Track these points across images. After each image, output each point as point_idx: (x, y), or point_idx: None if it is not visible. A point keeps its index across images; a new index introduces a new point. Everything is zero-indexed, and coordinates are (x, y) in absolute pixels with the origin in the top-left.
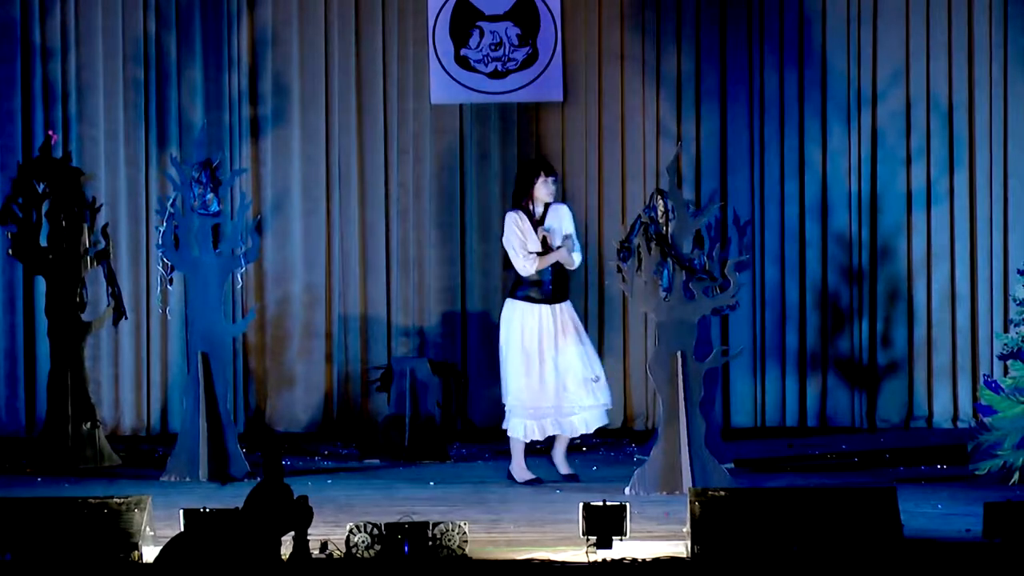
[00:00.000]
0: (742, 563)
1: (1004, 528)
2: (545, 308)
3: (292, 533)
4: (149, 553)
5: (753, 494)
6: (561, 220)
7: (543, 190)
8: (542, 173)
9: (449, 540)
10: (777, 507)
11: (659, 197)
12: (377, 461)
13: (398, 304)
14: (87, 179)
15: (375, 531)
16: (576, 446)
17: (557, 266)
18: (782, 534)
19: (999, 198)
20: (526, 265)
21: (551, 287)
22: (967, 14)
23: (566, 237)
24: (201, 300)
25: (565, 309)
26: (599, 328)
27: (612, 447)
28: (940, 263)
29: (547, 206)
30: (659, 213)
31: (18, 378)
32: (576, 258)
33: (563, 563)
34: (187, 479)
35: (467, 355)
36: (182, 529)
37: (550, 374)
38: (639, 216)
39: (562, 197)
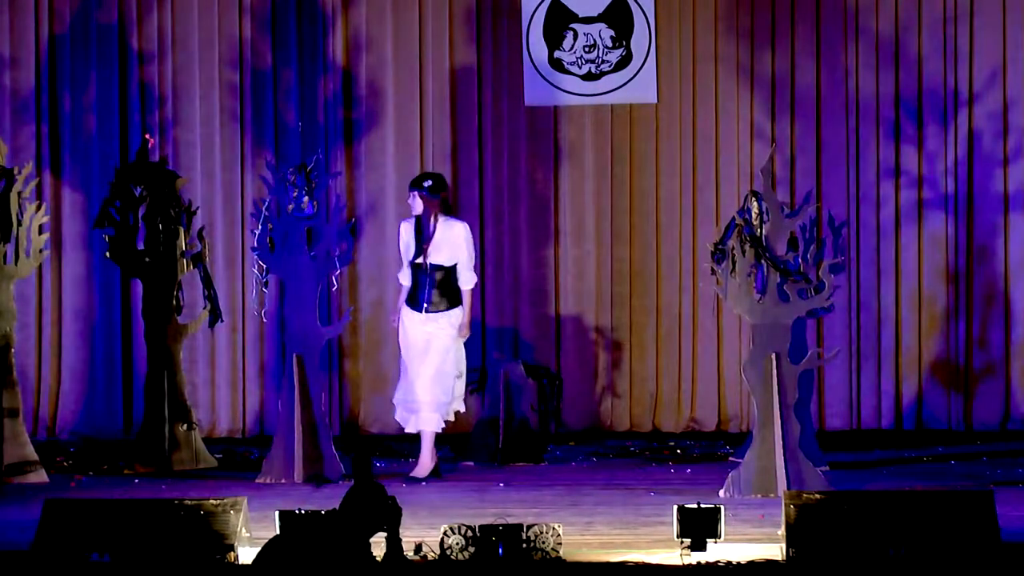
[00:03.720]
0: (838, 566)
1: None
2: (419, 315)
3: (384, 533)
4: (245, 554)
5: (848, 497)
6: (451, 235)
7: (411, 204)
8: (409, 190)
9: (543, 542)
10: (873, 510)
11: (753, 199)
12: (471, 463)
13: (492, 306)
14: (183, 182)
15: (469, 533)
16: (670, 447)
17: (442, 280)
18: (878, 537)
19: None
20: (400, 275)
21: (424, 298)
22: None
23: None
24: (296, 303)
25: (433, 319)
26: (693, 330)
27: (706, 449)
28: None
29: (435, 218)
30: (753, 215)
31: (116, 380)
32: (465, 279)
33: (657, 565)
34: (282, 481)
35: (561, 358)
36: (277, 531)
37: (418, 371)
38: (733, 218)
39: (655, 199)
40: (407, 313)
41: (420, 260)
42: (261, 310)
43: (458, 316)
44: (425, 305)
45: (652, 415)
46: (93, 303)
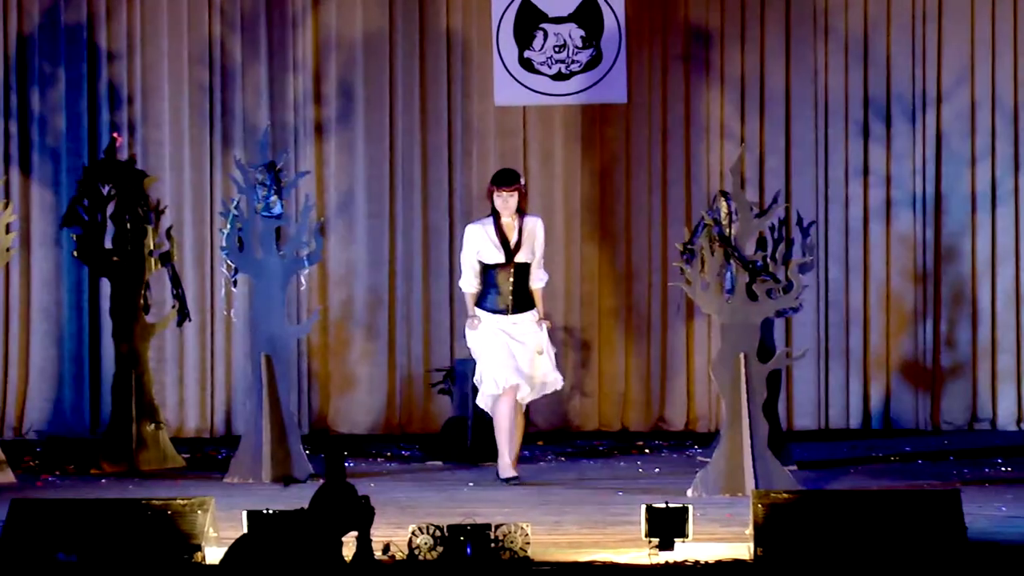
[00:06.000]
0: (805, 565)
1: None
2: (503, 319)
3: (355, 534)
4: (212, 554)
5: (816, 496)
6: (532, 233)
7: (499, 203)
8: (495, 187)
9: (511, 542)
10: (840, 509)
11: (722, 198)
12: (440, 463)
13: (461, 306)
14: (152, 181)
15: (437, 533)
16: (639, 447)
17: (524, 279)
18: (845, 536)
19: None
20: (461, 281)
21: (510, 299)
22: None
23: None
24: (265, 302)
25: (518, 320)
26: (662, 330)
27: (675, 449)
28: (1005, 264)
29: (521, 216)
30: (722, 214)
31: (83, 379)
32: (538, 277)
33: (625, 565)
34: (250, 481)
35: None
36: (245, 531)
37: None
38: (702, 217)
39: (625, 199)
40: (489, 318)
41: (507, 260)
42: (229, 309)
43: (536, 314)
44: (508, 307)
45: (621, 414)
46: (61, 302)
